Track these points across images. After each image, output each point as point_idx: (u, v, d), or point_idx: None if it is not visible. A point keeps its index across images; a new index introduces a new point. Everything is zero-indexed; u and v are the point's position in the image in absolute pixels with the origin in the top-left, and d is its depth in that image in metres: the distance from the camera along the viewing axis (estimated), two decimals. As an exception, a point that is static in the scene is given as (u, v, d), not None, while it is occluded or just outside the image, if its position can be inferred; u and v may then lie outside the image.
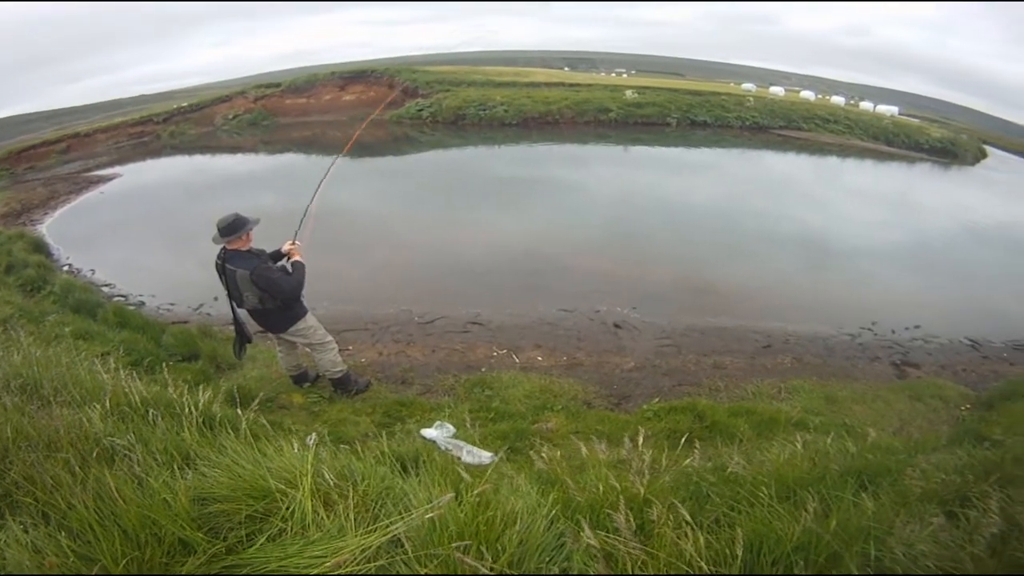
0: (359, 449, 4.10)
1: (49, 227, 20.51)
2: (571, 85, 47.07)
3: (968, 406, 9.68)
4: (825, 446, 5.06)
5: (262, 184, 24.18)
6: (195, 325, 11.04)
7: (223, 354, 9.53)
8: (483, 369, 10.12)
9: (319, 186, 8.40)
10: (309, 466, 2.99)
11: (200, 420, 4.17)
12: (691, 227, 19.80)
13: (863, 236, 20.36)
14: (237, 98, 44.61)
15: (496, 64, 61.63)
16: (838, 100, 57.11)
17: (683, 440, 4.73)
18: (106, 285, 14.42)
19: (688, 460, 4.19)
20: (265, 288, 7.25)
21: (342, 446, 4.36)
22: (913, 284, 16.28)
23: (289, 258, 7.78)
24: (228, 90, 47.54)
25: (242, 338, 8.03)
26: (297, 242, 7.87)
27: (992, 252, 20.65)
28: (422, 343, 11.29)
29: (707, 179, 28.52)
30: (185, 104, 44.41)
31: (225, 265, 7.31)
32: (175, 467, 3.31)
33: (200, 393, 4.69)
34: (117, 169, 30.88)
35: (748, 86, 57.82)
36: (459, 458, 5.78)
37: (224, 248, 7.31)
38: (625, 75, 65.45)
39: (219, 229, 7.14)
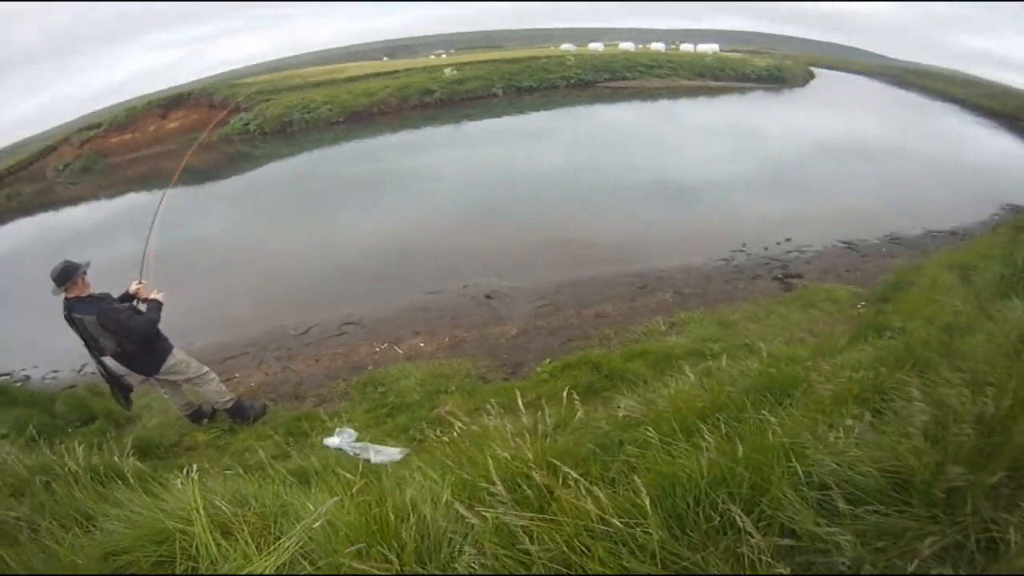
0: (257, 473, 4.08)
1: (-90, 319, 19.16)
2: (389, 73, 46.85)
3: (863, 304, 9.99)
4: (723, 370, 5.15)
5: (113, 230, 22.34)
6: (83, 387, 10.49)
7: (119, 410, 8.86)
8: (370, 367, 9.94)
9: (153, 221, 8.18)
10: (199, 499, 2.88)
11: (90, 478, 4.13)
12: (539, 190, 19.90)
13: (711, 169, 20.95)
14: (62, 146, 42.64)
15: (313, 65, 60.71)
16: (658, 47, 59.08)
17: (565, 394, 4.41)
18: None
19: (578, 415, 4.11)
20: (114, 330, 6.99)
21: (237, 473, 4.34)
22: (772, 204, 16.81)
23: (138, 298, 7.50)
24: (51, 139, 45.57)
25: (121, 388, 7.63)
26: (143, 281, 7.62)
27: (838, 160, 21.78)
28: (303, 355, 11.03)
29: (545, 142, 28.67)
30: (12, 163, 42.33)
31: (72, 315, 7.00)
32: (77, 528, 3.29)
33: (78, 452, 4.64)
34: None
35: (567, 46, 58.61)
36: (368, 460, 5.69)
37: (66, 298, 6.99)
38: (444, 55, 65.22)
39: (53, 279, 6.86)
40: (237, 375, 10.49)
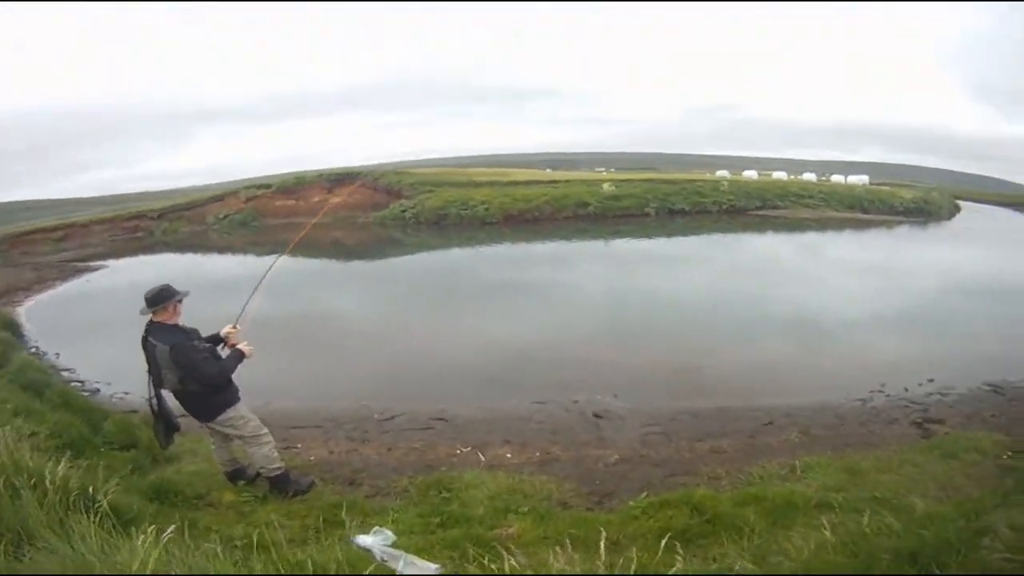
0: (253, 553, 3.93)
1: (28, 309, 21.18)
2: (549, 182, 47.31)
3: (1010, 453, 8.49)
4: (860, 527, 4.33)
5: (246, 285, 23.11)
6: (143, 414, 9.64)
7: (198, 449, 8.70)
8: (443, 468, 8.83)
9: (263, 278, 7.97)
10: (150, 566, 2.79)
11: (58, 500, 4.07)
12: (674, 314, 18.57)
13: (856, 304, 19.47)
14: (229, 198, 45.74)
15: (478, 167, 62.23)
16: (809, 177, 60.07)
17: (664, 543, 3.85)
18: (66, 370, 13.96)
19: (674, 569, 3.54)
20: (184, 367, 6.47)
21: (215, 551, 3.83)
22: (916, 343, 15.31)
23: (226, 343, 7.07)
24: (222, 190, 49.16)
25: (167, 425, 7.05)
26: (237, 326, 7.20)
27: (986, 299, 20.29)
28: (378, 441, 10.10)
29: (689, 266, 27.64)
30: (180, 202, 46.06)
31: (148, 338, 6.60)
32: (8, 546, 3.31)
33: (58, 469, 4.60)
34: (108, 261, 31.78)
35: (722, 173, 58.70)
36: (396, 570, 4.83)
37: (150, 320, 6.67)
38: (604, 172, 65.83)
39: (145, 299, 6.62)
40: (300, 445, 9.76)
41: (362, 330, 17.59)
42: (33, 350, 15.30)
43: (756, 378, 12.75)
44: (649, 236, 36.03)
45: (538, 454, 9.45)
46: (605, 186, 43.95)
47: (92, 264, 30.15)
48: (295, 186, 45.71)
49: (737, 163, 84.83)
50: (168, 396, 6.89)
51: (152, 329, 6.60)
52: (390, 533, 5.54)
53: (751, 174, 59.60)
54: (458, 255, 32.12)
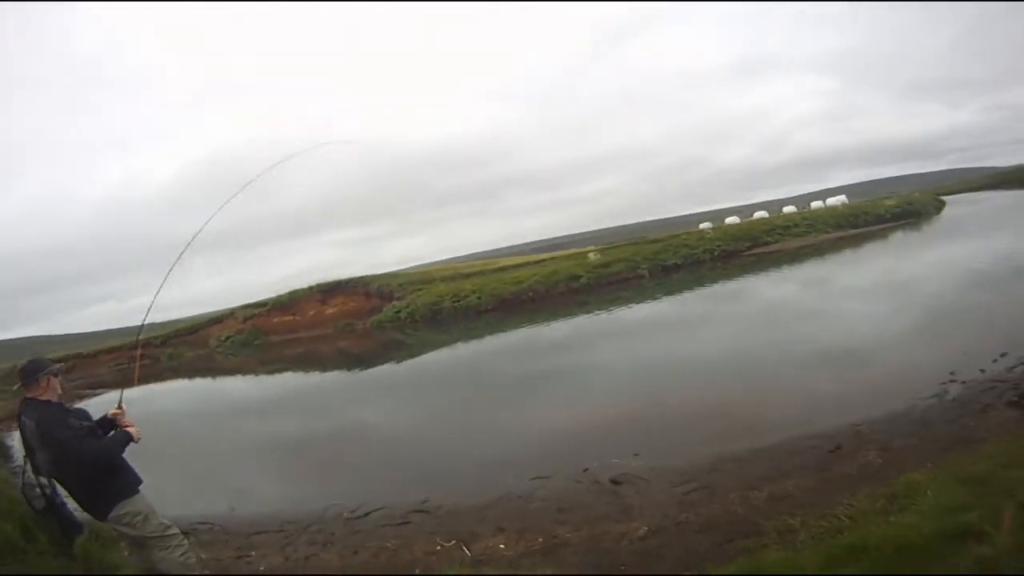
0: None
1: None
2: (536, 263, 46.30)
3: None
4: None
5: (272, 407, 22.08)
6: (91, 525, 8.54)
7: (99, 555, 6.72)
8: (416, 570, 6.83)
9: (121, 395, 6.25)
10: None
11: None
12: (697, 363, 16.07)
13: (886, 319, 17.15)
14: (228, 319, 46.59)
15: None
16: (790, 209, 60.38)
17: None
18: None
19: None
20: (53, 445, 5.26)
21: None
22: (965, 327, 13.57)
23: (116, 424, 5.75)
24: (219, 312, 50.41)
25: (66, 525, 5.98)
26: (123, 406, 5.92)
27: (1014, 273, 19.51)
28: (343, 543, 8.30)
29: (699, 317, 24.77)
30: (182, 327, 47.03)
31: (21, 416, 5.53)
32: None
33: None
34: (110, 390, 30.31)
35: (705, 225, 57.54)
36: None
37: (23, 398, 5.55)
38: (593, 248, 65.10)
39: (18, 374, 5.61)
40: (253, 553, 8.35)
41: (368, 434, 15.55)
42: (15, 468, 13.81)
43: (803, 403, 10.61)
44: (651, 297, 32.83)
45: (540, 540, 7.24)
46: (591, 256, 42.85)
47: (97, 391, 28.90)
48: (290, 302, 45.41)
49: (718, 215, 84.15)
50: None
51: (25, 407, 5.47)
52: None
53: (733, 219, 60.12)
54: (461, 348, 29.29)
